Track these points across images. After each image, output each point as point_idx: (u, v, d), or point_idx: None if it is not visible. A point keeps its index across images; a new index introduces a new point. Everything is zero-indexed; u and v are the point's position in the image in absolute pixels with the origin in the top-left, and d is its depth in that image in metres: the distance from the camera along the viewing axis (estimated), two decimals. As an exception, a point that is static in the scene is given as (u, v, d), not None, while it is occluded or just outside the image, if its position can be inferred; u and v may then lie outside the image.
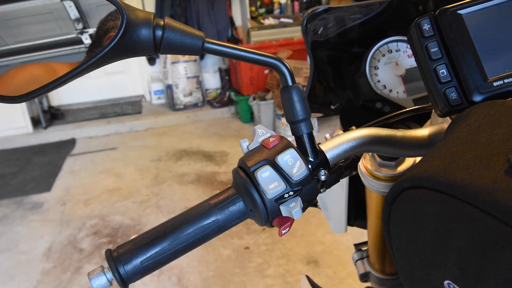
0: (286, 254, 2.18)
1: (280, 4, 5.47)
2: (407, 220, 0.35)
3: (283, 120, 3.94)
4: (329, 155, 0.45)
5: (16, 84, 0.41)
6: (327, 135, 0.50)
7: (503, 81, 0.39)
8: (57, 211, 2.91)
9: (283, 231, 0.40)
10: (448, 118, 0.44)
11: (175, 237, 0.38)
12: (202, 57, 5.10)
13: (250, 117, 4.55)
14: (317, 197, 0.64)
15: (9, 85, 0.41)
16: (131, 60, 4.96)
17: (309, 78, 0.68)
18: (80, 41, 0.43)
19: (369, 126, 0.51)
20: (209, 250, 2.26)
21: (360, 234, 0.80)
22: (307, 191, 0.40)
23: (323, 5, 0.75)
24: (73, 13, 0.43)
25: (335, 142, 0.46)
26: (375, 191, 0.59)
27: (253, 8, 5.28)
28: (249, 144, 0.42)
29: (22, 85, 0.40)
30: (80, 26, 0.43)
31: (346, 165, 0.50)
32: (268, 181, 0.38)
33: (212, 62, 5.25)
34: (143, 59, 5.25)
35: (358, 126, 0.52)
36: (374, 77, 0.70)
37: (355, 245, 0.81)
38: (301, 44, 4.31)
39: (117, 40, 0.37)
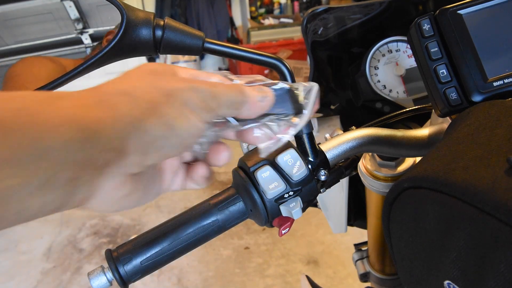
0: (286, 254, 2.18)
1: (280, 4, 5.46)
2: (407, 220, 0.35)
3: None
4: (329, 155, 0.45)
5: (16, 84, 0.41)
6: (327, 135, 0.50)
7: (503, 81, 0.39)
8: (57, 211, 2.90)
9: (283, 231, 0.40)
10: (448, 118, 0.44)
11: (175, 237, 0.38)
12: (202, 57, 5.10)
13: (250, 117, 4.54)
14: (317, 197, 0.64)
15: (9, 87, 0.41)
16: (131, 60, 4.94)
17: (309, 78, 0.68)
18: (80, 41, 0.43)
19: (369, 126, 0.51)
20: (209, 250, 2.26)
21: (360, 234, 0.80)
22: (307, 191, 0.40)
23: (323, 5, 0.75)
24: (73, 13, 0.43)
25: (335, 142, 0.46)
26: (375, 191, 0.59)
27: (253, 8, 5.27)
28: (249, 144, 0.42)
29: (21, 85, 0.40)
30: (80, 26, 0.43)
31: (346, 165, 0.50)
32: (268, 181, 0.38)
33: (212, 62, 5.25)
34: (143, 59, 5.23)
35: (358, 126, 0.52)
36: (374, 77, 0.70)
37: (355, 245, 0.81)
38: (301, 44, 4.31)
39: (117, 40, 0.37)
